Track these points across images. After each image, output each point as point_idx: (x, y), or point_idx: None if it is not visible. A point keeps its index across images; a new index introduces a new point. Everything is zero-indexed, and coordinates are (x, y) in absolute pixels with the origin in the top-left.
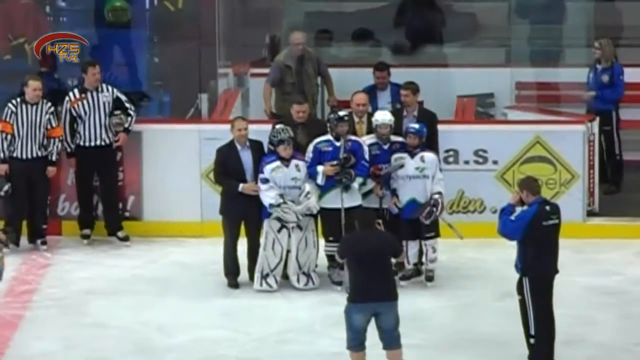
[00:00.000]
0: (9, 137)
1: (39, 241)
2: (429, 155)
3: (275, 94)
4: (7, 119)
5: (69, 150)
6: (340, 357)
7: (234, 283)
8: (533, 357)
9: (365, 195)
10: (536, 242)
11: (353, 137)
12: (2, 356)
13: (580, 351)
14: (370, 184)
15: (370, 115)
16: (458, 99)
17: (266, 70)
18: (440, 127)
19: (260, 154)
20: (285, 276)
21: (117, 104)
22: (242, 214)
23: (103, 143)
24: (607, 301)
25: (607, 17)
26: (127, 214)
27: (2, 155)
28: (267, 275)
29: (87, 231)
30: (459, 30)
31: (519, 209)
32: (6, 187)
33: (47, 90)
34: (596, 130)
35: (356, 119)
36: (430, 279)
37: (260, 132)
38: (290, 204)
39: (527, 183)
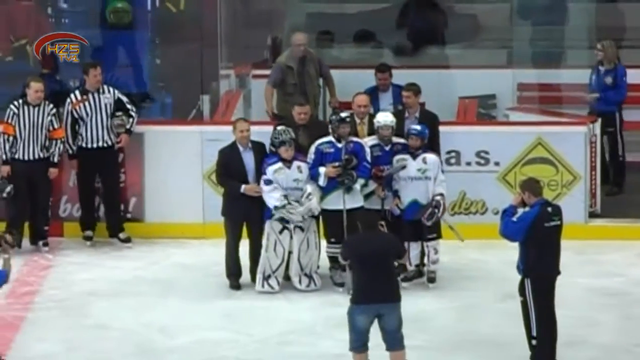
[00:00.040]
0: (11, 138)
1: (40, 242)
2: (431, 157)
3: (277, 95)
4: (9, 121)
5: (70, 151)
6: (343, 358)
7: (235, 284)
8: (535, 358)
9: (367, 196)
10: (538, 243)
11: (355, 139)
12: (4, 358)
13: (582, 352)
14: (372, 186)
15: (372, 116)
16: (460, 101)
17: (268, 72)
18: (442, 128)
19: (262, 155)
20: (287, 277)
21: (118, 105)
22: (244, 215)
23: (105, 144)
24: (608, 302)
25: (609, 19)
26: (129, 215)
27: (4, 156)
28: (269, 276)
29: (89, 233)
30: (461, 31)
31: (520, 211)
32: (8, 189)
33: (49, 92)
34: (598, 131)
35: (358, 121)
36: (432, 280)
37: (262, 133)
38: (294, 204)
39: (528, 184)
